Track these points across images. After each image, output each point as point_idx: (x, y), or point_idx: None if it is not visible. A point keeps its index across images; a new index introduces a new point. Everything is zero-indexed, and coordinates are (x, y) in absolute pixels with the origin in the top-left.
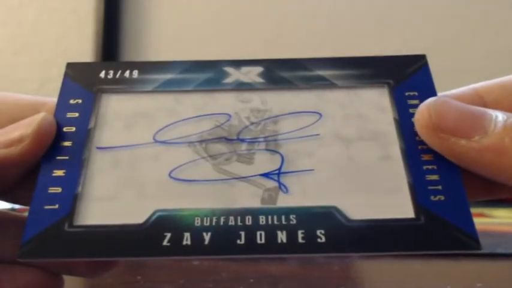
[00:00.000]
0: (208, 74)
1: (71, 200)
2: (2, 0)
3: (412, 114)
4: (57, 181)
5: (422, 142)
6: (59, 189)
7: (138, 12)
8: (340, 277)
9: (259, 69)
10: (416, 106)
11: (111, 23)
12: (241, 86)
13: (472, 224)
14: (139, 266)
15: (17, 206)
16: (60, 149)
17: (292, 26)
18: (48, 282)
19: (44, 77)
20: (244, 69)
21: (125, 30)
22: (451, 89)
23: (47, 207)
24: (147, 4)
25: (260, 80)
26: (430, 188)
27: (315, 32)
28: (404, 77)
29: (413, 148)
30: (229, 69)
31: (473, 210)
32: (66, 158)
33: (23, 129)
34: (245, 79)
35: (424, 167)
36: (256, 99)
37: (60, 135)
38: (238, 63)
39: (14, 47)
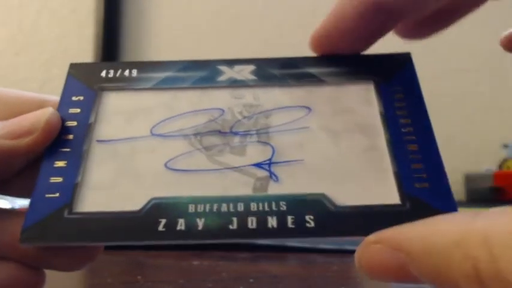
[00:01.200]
0: (203, 72)
1: (71, 189)
2: (2, 0)
3: (397, 108)
4: (58, 171)
5: (408, 133)
6: (60, 179)
7: (138, 13)
8: (340, 277)
9: (251, 67)
10: (401, 100)
11: (111, 23)
12: (234, 83)
13: (455, 208)
14: (139, 266)
15: (17, 206)
16: (62, 141)
17: (292, 26)
18: (29, 276)
19: (44, 77)
20: (237, 67)
21: (124, 31)
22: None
23: (48, 195)
24: (147, 5)
25: (252, 77)
26: (414, 176)
27: None
28: (389, 73)
29: (399, 139)
30: (223, 68)
31: (473, 210)
32: (68, 150)
33: (33, 122)
34: (238, 77)
35: (410, 157)
36: (248, 95)
37: (62, 129)
38: (231, 62)
39: (15, 48)
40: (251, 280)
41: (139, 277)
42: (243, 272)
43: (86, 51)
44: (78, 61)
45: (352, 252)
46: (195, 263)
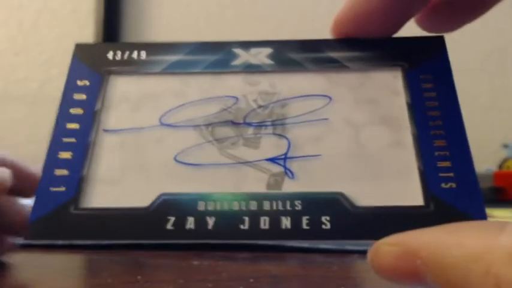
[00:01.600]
0: (216, 56)
1: (77, 182)
2: (2, 0)
3: (426, 99)
4: (63, 163)
5: (435, 127)
6: (65, 172)
7: (138, 13)
8: (340, 277)
9: (268, 50)
10: (430, 90)
11: (111, 23)
12: (249, 68)
13: (483, 213)
14: (139, 266)
15: None
16: (67, 131)
17: (293, 27)
18: None
19: (44, 77)
20: (254, 50)
21: (124, 31)
22: None
23: (53, 189)
24: (147, 5)
25: (269, 61)
26: (441, 175)
27: (315, 32)
28: (419, 60)
29: (425, 133)
30: (238, 51)
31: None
32: (73, 140)
33: None
34: (254, 61)
35: (436, 153)
36: (264, 81)
37: (67, 118)
38: (247, 45)
39: (15, 47)
40: (251, 280)
41: (139, 277)
42: (243, 272)
43: None
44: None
45: (352, 252)
46: (195, 263)
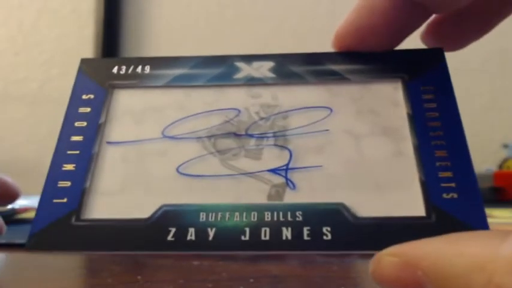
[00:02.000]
0: (219, 69)
1: (80, 194)
2: (2, 1)
3: (427, 110)
4: (66, 175)
5: (436, 137)
6: (68, 183)
7: (138, 13)
8: (340, 277)
9: (270, 64)
10: (431, 101)
11: (111, 23)
12: (252, 81)
13: (485, 223)
14: (139, 266)
15: (17, 206)
16: (71, 143)
17: (293, 27)
18: None
19: (44, 77)
20: (256, 64)
21: (124, 31)
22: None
23: (55, 200)
24: (147, 5)
25: (271, 75)
26: (442, 185)
27: (315, 32)
28: (419, 71)
29: (426, 144)
30: (240, 64)
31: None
32: (77, 152)
33: None
34: (256, 74)
35: (437, 164)
36: (266, 94)
37: (71, 130)
38: (249, 58)
39: (15, 48)
40: (251, 280)
41: (139, 277)
42: (243, 272)
43: (86, 51)
44: (78, 61)
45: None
46: (195, 263)
